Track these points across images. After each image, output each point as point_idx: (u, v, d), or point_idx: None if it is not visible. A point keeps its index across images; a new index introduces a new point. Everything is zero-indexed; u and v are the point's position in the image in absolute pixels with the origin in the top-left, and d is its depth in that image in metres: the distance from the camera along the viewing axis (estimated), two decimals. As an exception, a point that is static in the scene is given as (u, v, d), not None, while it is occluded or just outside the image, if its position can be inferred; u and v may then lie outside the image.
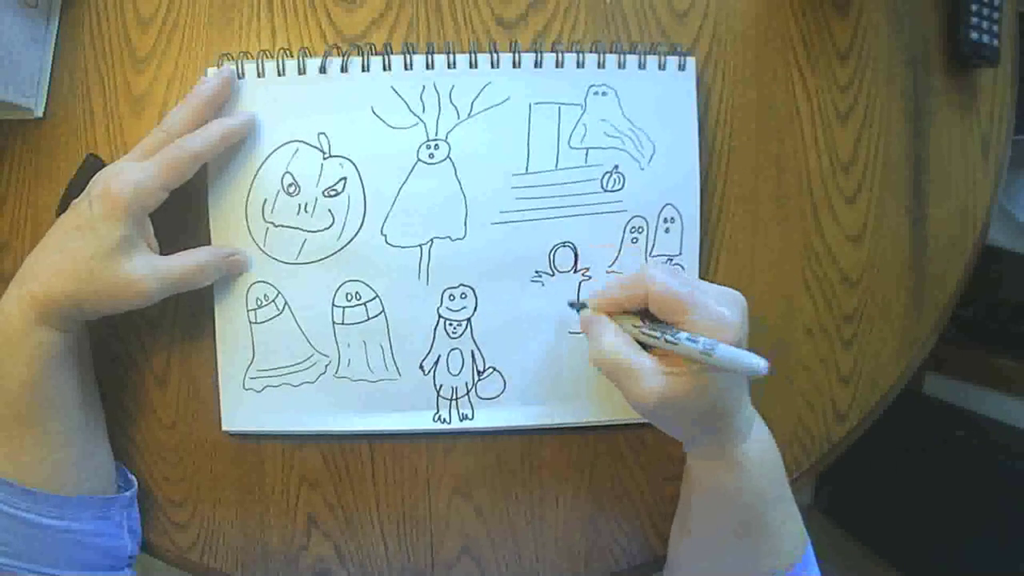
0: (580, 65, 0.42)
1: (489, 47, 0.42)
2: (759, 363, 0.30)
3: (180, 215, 0.41)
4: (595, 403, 0.44)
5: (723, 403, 0.35)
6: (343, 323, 0.42)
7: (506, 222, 0.42)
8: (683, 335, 0.33)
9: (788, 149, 0.46)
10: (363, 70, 0.41)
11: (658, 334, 0.34)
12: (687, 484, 0.42)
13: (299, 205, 0.42)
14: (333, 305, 0.42)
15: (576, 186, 0.42)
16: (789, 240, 0.46)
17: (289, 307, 0.42)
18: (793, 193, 0.46)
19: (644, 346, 0.35)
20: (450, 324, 0.43)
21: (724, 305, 0.34)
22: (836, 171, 0.46)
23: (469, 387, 0.43)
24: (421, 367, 0.43)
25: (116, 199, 0.35)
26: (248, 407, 0.43)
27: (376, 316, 0.42)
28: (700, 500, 0.40)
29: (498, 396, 0.43)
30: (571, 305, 0.40)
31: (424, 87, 0.42)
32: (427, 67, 0.42)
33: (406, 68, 0.42)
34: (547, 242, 0.42)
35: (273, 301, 0.42)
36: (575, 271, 0.43)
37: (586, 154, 0.42)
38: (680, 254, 0.44)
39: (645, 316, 0.36)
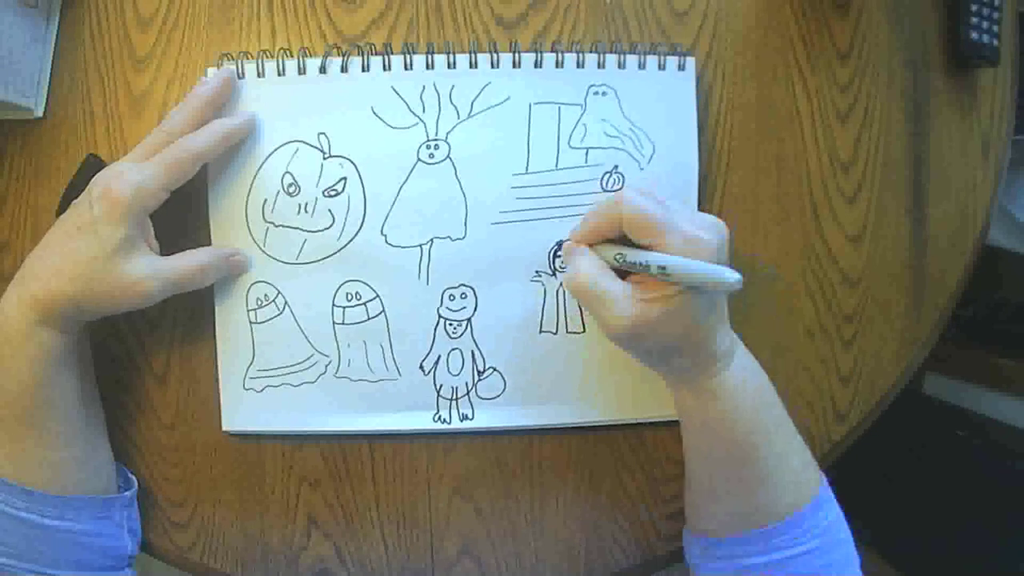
0: (580, 65, 0.42)
1: (489, 47, 0.42)
2: (730, 275, 0.30)
3: (180, 215, 0.41)
4: (595, 403, 0.44)
5: (697, 328, 0.34)
6: (343, 323, 0.42)
7: (506, 222, 0.42)
8: (654, 256, 0.33)
9: (788, 149, 0.46)
10: (363, 70, 0.41)
11: (630, 258, 0.34)
12: (681, 429, 0.41)
13: (299, 205, 0.42)
14: (333, 305, 0.42)
15: (576, 186, 0.42)
16: (789, 240, 0.46)
17: (289, 307, 0.42)
18: (793, 193, 0.46)
19: (625, 275, 0.35)
20: (450, 324, 0.43)
21: (701, 228, 0.33)
22: (836, 171, 0.46)
23: (469, 387, 0.43)
24: (421, 367, 0.43)
25: (117, 200, 0.35)
26: (248, 407, 0.43)
27: (376, 316, 0.42)
28: (692, 440, 0.39)
29: (498, 396, 0.43)
30: (558, 244, 0.40)
31: (424, 87, 0.42)
32: (427, 67, 0.42)
33: (406, 68, 0.42)
34: (547, 242, 0.42)
35: (273, 301, 0.42)
36: (575, 271, 0.43)
37: (586, 154, 0.42)
38: (680, 254, 0.44)
39: (626, 244, 0.36)
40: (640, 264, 0.34)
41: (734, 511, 0.38)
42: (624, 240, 0.36)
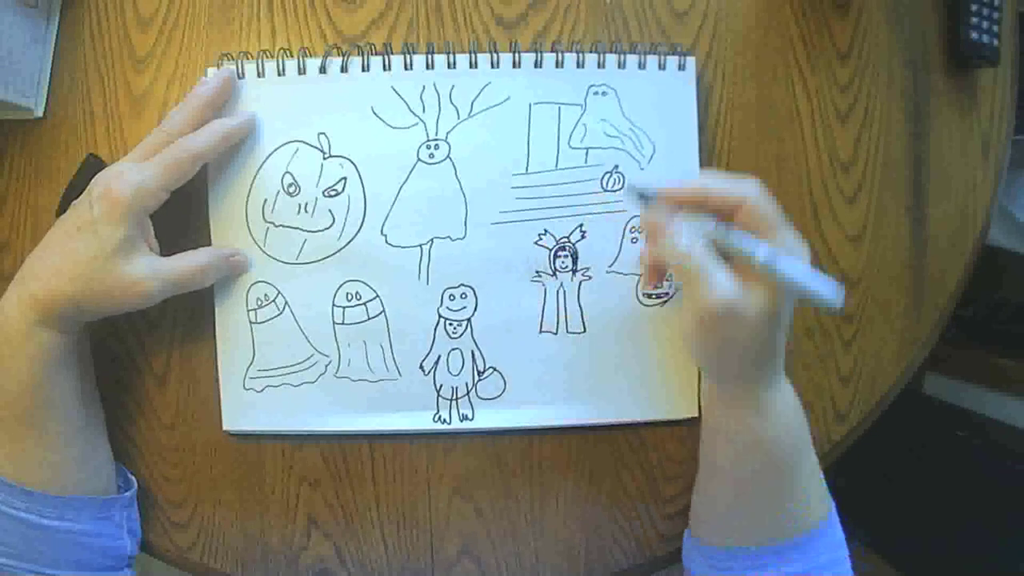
0: (580, 65, 0.42)
1: (489, 47, 0.42)
2: (835, 292, 0.30)
3: (180, 216, 0.41)
4: (595, 403, 0.44)
5: (776, 336, 0.34)
6: (343, 323, 0.42)
7: (506, 222, 0.42)
8: (764, 246, 0.32)
9: (788, 149, 0.46)
10: (363, 70, 0.41)
11: (734, 239, 0.33)
12: (710, 443, 0.40)
13: (299, 205, 0.42)
14: (333, 305, 0.42)
15: (576, 186, 0.42)
16: (789, 240, 0.46)
17: (289, 307, 0.42)
18: (793, 193, 0.46)
19: None
20: (450, 324, 0.43)
21: (799, 239, 0.34)
22: (836, 171, 0.46)
23: (469, 387, 0.43)
24: (421, 367, 0.43)
25: (117, 200, 0.35)
26: (248, 407, 0.43)
27: (376, 316, 0.42)
28: (728, 452, 0.38)
29: (498, 396, 0.43)
30: (633, 192, 0.37)
31: (424, 87, 0.42)
32: (427, 67, 0.42)
33: (406, 68, 0.42)
34: (547, 242, 0.42)
35: (273, 301, 0.42)
36: (575, 271, 0.43)
37: (586, 154, 0.42)
38: (680, 254, 0.44)
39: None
40: (742, 249, 0.32)
41: (757, 524, 0.38)
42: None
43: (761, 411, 0.36)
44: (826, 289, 0.30)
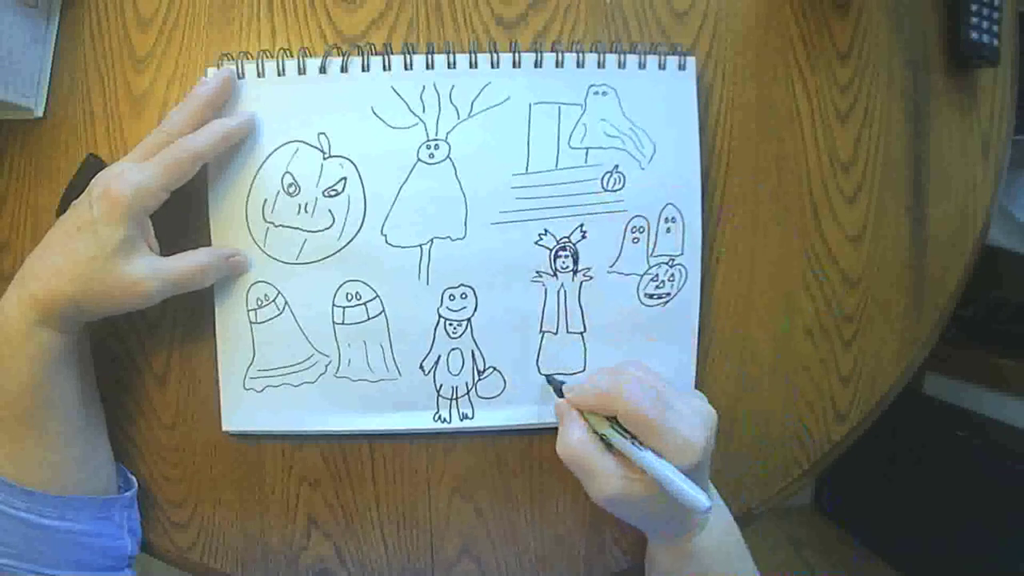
0: (580, 65, 0.42)
1: (489, 47, 0.42)
2: (699, 502, 0.33)
3: (180, 216, 0.41)
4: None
5: (677, 508, 0.36)
6: (343, 323, 0.42)
7: (506, 222, 0.42)
8: (646, 455, 0.35)
9: (788, 149, 0.46)
10: (363, 70, 0.41)
11: (618, 445, 0.37)
12: (648, 565, 0.43)
13: (299, 205, 0.42)
14: (333, 305, 0.42)
15: (576, 186, 0.42)
16: (789, 240, 0.46)
17: (289, 307, 0.42)
18: (793, 193, 0.46)
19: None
20: (450, 324, 0.43)
21: (691, 427, 0.36)
22: (836, 171, 0.46)
23: (469, 387, 0.43)
24: (421, 367, 0.43)
25: (117, 200, 0.35)
26: (248, 407, 0.43)
27: (376, 316, 0.42)
28: None
29: (498, 396, 0.43)
30: (548, 380, 0.43)
31: (424, 87, 0.42)
32: (427, 67, 0.42)
33: (406, 68, 0.42)
34: (547, 242, 0.42)
35: (273, 301, 0.42)
36: (575, 271, 0.43)
37: (586, 154, 0.42)
38: (682, 254, 0.44)
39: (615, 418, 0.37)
40: (626, 452, 0.36)
41: None
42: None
43: (679, 557, 0.39)
44: (693, 500, 0.33)
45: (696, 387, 0.45)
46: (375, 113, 0.42)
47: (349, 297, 0.42)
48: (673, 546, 0.40)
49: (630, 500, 0.36)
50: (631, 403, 0.36)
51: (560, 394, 0.41)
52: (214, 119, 0.39)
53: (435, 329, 0.43)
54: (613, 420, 0.37)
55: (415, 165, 0.42)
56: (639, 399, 0.36)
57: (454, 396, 0.43)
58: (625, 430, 0.37)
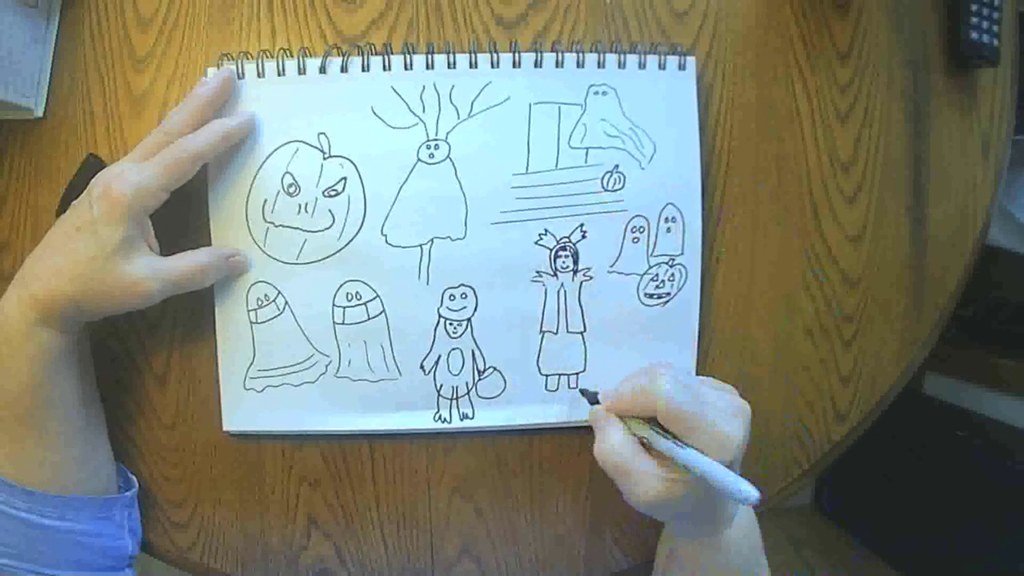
0: (580, 65, 0.42)
1: (489, 47, 0.42)
2: (751, 493, 0.32)
3: (180, 216, 0.41)
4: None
5: (715, 506, 0.37)
6: (343, 323, 0.42)
7: (506, 222, 0.42)
8: (690, 452, 0.34)
9: (788, 149, 0.46)
10: (363, 70, 0.41)
11: (659, 445, 0.36)
12: (669, 558, 0.43)
13: (299, 205, 0.42)
14: (333, 305, 0.42)
15: (576, 186, 0.42)
16: (789, 240, 0.46)
17: (289, 307, 0.42)
18: (793, 193, 0.46)
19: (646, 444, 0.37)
20: (450, 324, 0.43)
21: (728, 422, 0.35)
22: (836, 171, 0.46)
23: (469, 387, 0.43)
24: (421, 367, 0.43)
25: (117, 200, 0.35)
26: (248, 407, 0.43)
27: (376, 316, 0.42)
28: (683, 573, 0.41)
29: (498, 396, 0.43)
30: (583, 394, 0.42)
31: (424, 87, 0.42)
32: (427, 67, 0.42)
33: (406, 68, 0.42)
34: (547, 242, 0.42)
35: (273, 301, 0.42)
36: (575, 271, 0.43)
37: (586, 154, 0.42)
38: (682, 254, 0.44)
39: (652, 419, 0.37)
40: (667, 452, 0.35)
41: None
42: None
43: (709, 549, 0.39)
44: (738, 490, 0.33)
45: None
46: (375, 113, 0.42)
47: (349, 297, 0.42)
48: (706, 542, 0.39)
49: (672, 501, 0.36)
50: (667, 401, 0.35)
51: (594, 402, 0.40)
52: (214, 119, 0.39)
53: (435, 329, 0.43)
54: (650, 423, 0.37)
55: (415, 165, 0.42)
56: (675, 395, 0.35)
57: (454, 396, 0.43)
58: (664, 431, 0.36)
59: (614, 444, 0.37)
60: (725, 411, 0.36)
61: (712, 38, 0.45)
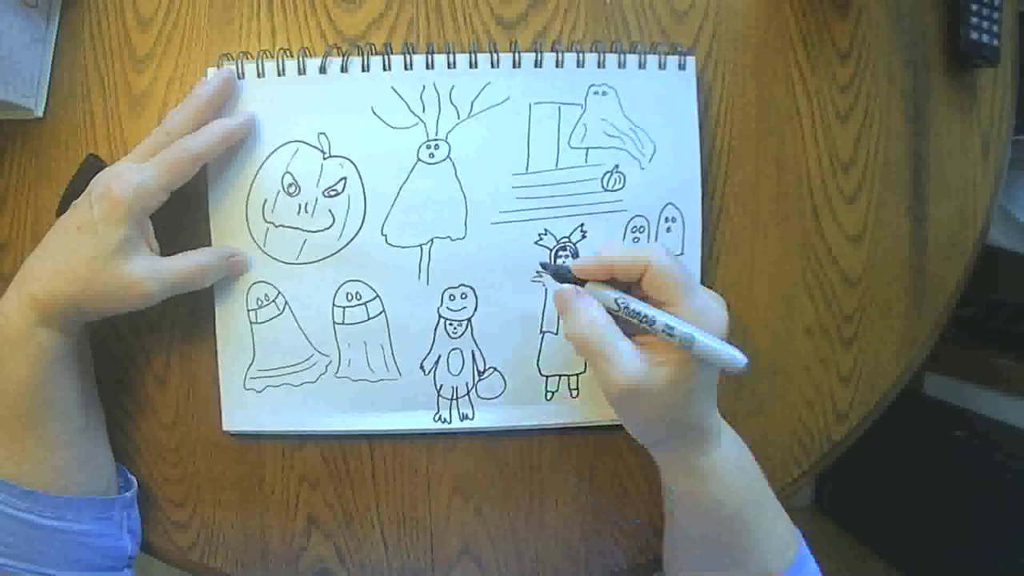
0: (580, 65, 0.42)
1: (489, 47, 0.42)
2: (739, 358, 0.30)
3: (180, 216, 0.41)
4: (595, 403, 0.44)
5: (697, 402, 0.35)
6: (343, 323, 0.42)
7: (506, 222, 0.42)
8: (665, 315, 0.32)
9: (788, 149, 0.46)
10: (363, 70, 0.41)
11: (635, 307, 0.33)
12: (668, 497, 0.41)
13: (299, 205, 0.42)
14: (333, 305, 0.42)
15: (576, 185, 0.42)
16: (789, 240, 0.46)
17: (289, 307, 0.42)
18: (793, 193, 0.46)
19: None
20: (450, 324, 0.43)
21: (715, 298, 0.35)
22: (836, 171, 0.46)
23: (469, 387, 0.43)
24: (421, 367, 0.43)
25: (117, 201, 0.35)
26: (248, 407, 0.43)
27: (376, 316, 0.42)
28: (680, 517, 0.39)
29: (498, 396, 0.43)
30: (543, 267, 0.38)
31: (424, 87, 0.42)
32: (427, 67, 0.42)
33: (406, 68, 0.42)
34: (548, 242, 0.42)
35: (273, 301, 0.42)
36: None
37: (586, 154, 0.42)
38: (682, 253, 0.44)
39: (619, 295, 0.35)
40: (645, 317, 0.32)
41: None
42: (622, 289, 0.35)
43: (697, 475, 0.36)
44: (731, 353, 0.30)
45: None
46: (375, 113, 0.42)
47: (349, 297, 0.42)
48: (690, 464, 0.36)
49: (650, 391, 0.33)
50: (664, 261, 0.33)
51: (562, 280, 0.36)
52: (214, 119, 0.39)
53: (435, 329, 0.43)
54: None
55: (415, 165, 0.42)
56: (670, 260, 0.33)
57: (454, 396, 0.43)
58: (641, 304, 0.33)
59: (590, 318, 0.34)
60: (707, 291, 0.35)
61: (712, 38, 0.45)
